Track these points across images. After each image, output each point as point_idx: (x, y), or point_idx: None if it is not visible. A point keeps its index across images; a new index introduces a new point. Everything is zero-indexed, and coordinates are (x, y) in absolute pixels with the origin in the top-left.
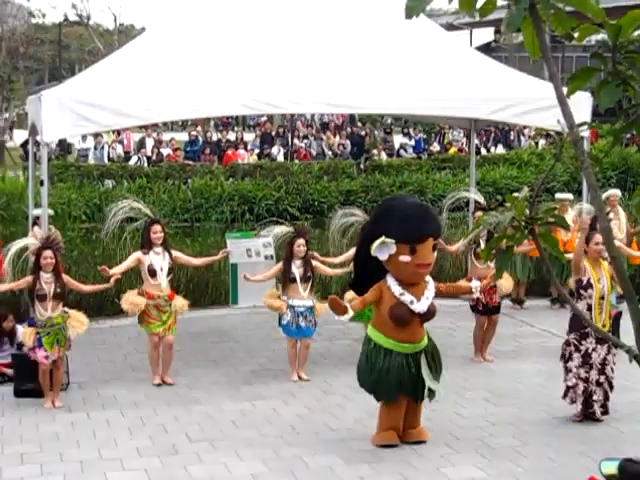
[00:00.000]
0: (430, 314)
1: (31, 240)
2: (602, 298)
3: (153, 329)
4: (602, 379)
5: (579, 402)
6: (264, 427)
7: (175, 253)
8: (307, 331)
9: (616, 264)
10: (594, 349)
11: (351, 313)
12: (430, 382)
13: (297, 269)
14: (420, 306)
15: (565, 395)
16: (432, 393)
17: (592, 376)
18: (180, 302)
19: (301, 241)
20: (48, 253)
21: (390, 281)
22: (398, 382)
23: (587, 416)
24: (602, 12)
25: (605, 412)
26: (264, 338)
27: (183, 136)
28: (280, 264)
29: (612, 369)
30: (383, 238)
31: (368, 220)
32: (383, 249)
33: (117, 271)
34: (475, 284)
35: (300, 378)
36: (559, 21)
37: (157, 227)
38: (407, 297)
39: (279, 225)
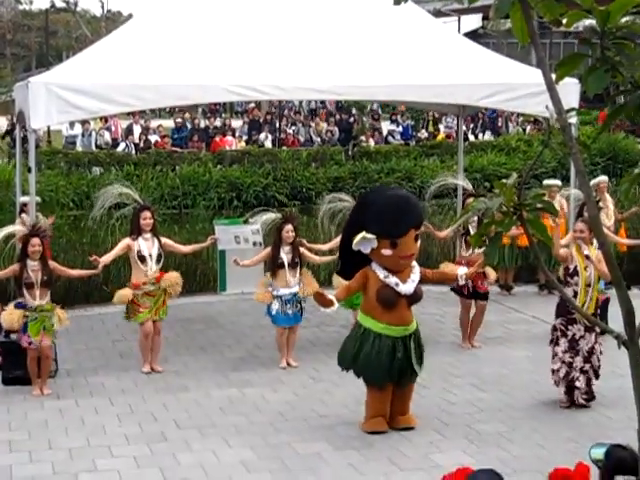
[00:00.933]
0: (417, 296)
1: (18, 227)
2: (588, 285)
3: (142, 318)
4: (587, 367)
5: (562, 387)
6: (252, 414)
7: (164, 240)
8: (295, 318)
9: (604, 251)
10: (582, 336)
11: (337, 305)
12: (416, 365)
13: (285, 255)
14: (406, 288)
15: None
16: (415, 376)
17: (577, 362)
18: (169, 278)
19: (289, 227)
20: (36, 241)
21: (375, 265)
22: (388, 366)
23: (573, 402)
24: None
25: (589, 399)
26: (252, 325)
27: (171, 123)
28: (268, 249)
29: (598, 358)
30: (364, 233)
31: (351, 211)
32: (365, 244)
33: (107, 259)
34: (461, 271)
35: (289, 364)
36: (547, 7)
37: (147, 213)
38: (392, 279)
39: (267, 212)
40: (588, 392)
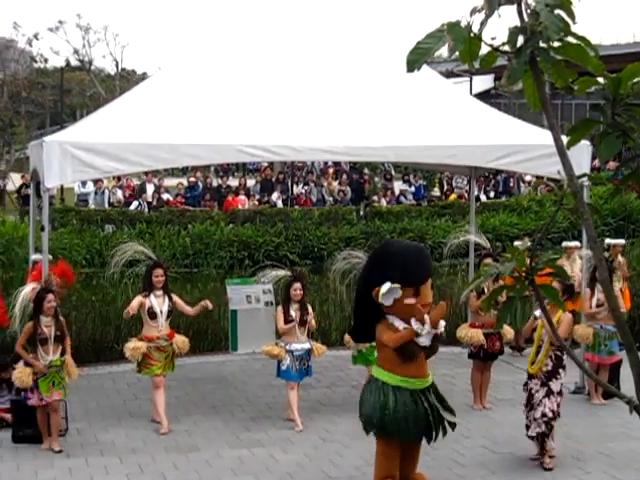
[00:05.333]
0: (434, 348)
1: (34, 285)
2: (543, 341)
3: (155, 371)
4: (531, 416)
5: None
6: (263, 475)
7: (175, 298)
8: (301, 374)
9: (615, 315)
10: (537, 390)
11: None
12: (447, 415)
13: (294, 312)
14: (424, 340)
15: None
16: (453, 425)
17: (530, 416)
18: (181, 340)
19: (297, 285)
20: (51, 296)
21: (392, 319)
22: (414, 417)
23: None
24: (602, 66)
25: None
26: (263, 384)
27: (184, 182)
28: (280, 308)
29: (543, 413)
30: (389, 284)
31: (363, 270)
32: (389, 295)
33: (132, 311)
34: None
35: (289, 419)
36: (559, 74)
37: (159, 271)
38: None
39: (277, 269)
40: (542, 443)
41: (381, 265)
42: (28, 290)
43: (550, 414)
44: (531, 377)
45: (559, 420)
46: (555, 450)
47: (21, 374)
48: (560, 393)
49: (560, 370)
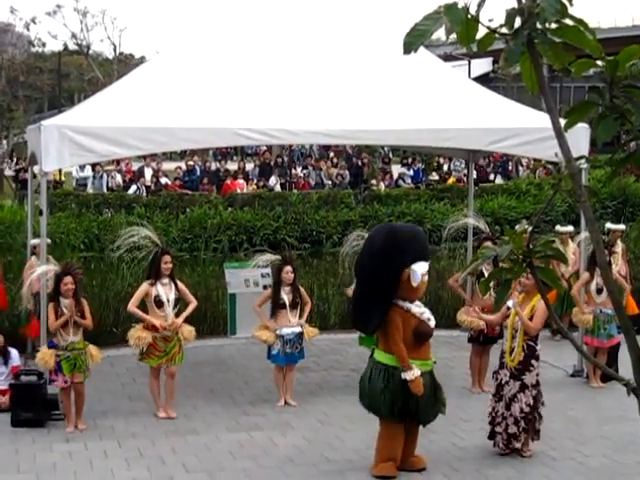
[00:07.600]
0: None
1: (51, 266)
2: (515, 330)
3: (156, 362)
4: (507, 414)
5: (488, 430)
6: (262, 458)
7: (180, 285)
8: (293, 357)
9: (613, 298)
10: (507, 382)
11: (415, 369)
12: (442, 397)
13: (286, 295)
14: (433, 321)
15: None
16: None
17: (498, 408)
18: (187, 330)
19: (289, 268)
20: (68, 279)
21: (405, 304)
22: (418, 402)
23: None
24: (600, 48)
25: (507, 446)
26: (262, 368)
27: (182, 165)
28: (269, 291)
29: (521, 408)
30: (423, 263)
31: (373, 261)
32: (418, 274)
33: (134, 307)
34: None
35: (287, 403)
36: (556, 56)
37: (168, 257)
38: (426, 315)
39: (265, 253)
40: (508, 440)
41: (397, 250)
42: (37, 275)
43: (527, 409)
44: (502, 366)
45: (558, 403)
46: (532, 449)
47: (44, 355)
48: (536, 385)
49: (533, 361)
